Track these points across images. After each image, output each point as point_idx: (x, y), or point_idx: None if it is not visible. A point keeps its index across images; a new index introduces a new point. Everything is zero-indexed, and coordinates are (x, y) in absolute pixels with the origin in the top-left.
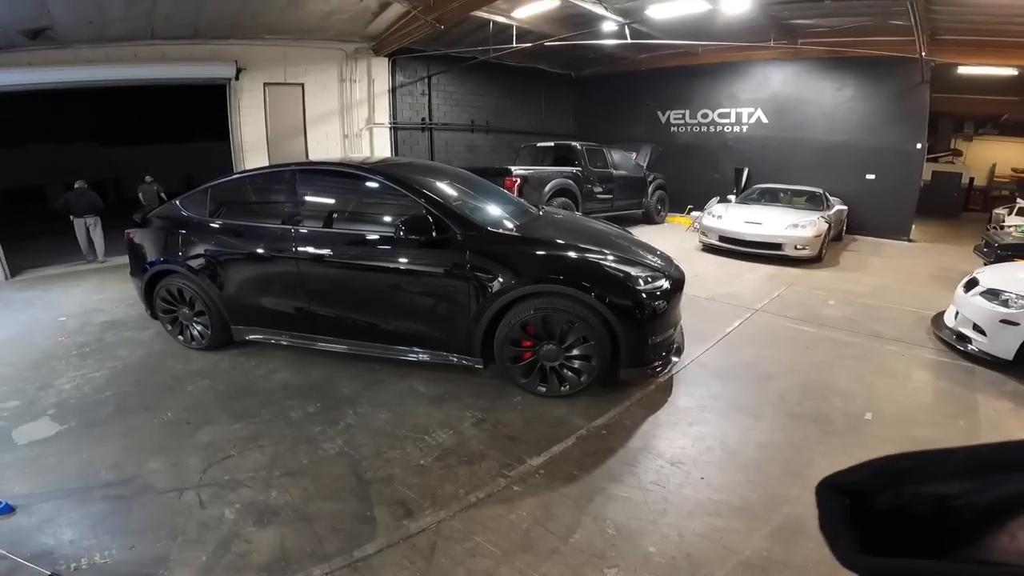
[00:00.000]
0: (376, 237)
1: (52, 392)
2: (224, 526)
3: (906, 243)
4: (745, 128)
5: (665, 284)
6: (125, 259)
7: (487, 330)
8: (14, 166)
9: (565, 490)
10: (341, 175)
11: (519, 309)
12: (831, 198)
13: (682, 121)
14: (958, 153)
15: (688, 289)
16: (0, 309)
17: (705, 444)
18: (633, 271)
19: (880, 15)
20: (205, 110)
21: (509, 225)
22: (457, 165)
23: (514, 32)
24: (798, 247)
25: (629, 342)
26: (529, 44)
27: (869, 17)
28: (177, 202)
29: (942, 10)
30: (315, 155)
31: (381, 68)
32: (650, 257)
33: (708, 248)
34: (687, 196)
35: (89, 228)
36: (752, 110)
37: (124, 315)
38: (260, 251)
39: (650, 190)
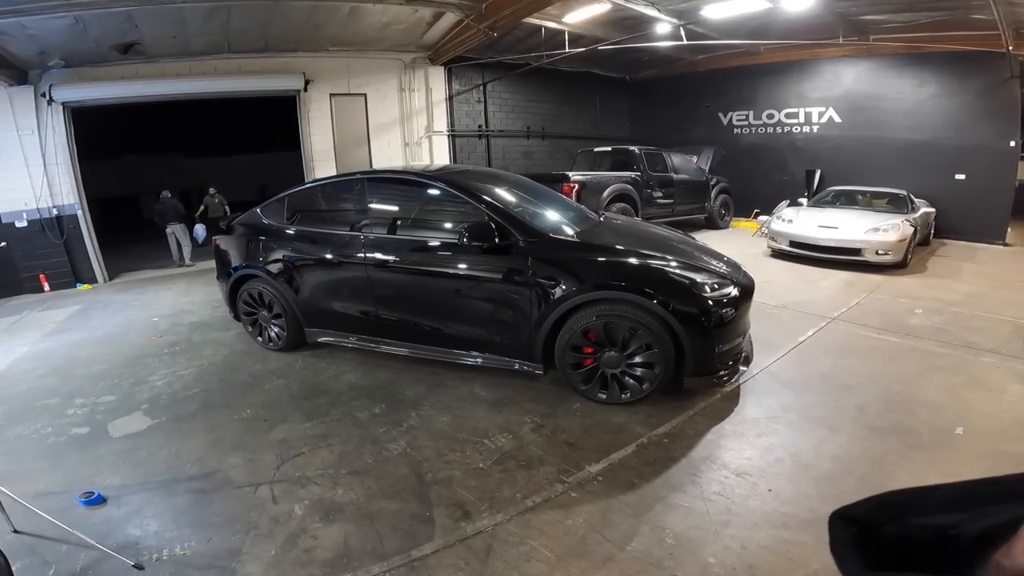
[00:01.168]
0: (439, 243)
1: (145, 388)
2: (293, 521)
3: (1001, 247)
4: (816, 128)
5: (733, 291)
6: (211, 264)
7: (548, 336)
8: (110, 176)
9: (624, 498)
10: (405, 183)
11: (581, 315)
12: (916, 200)
13: (746, 122)
14: None
15: (756, 296)
16: (99, 310)
17: (774, 455)
18: (699, 277)
19: (959, 9)
20: (277, 122)
21: (570, 231)
22: (514, 171)
23: (566, 37)
24: (880, 252)
25: (694, 350)
26: (582, 49)
27: (946, 12)
28: (258, 210)
29: None
30: (378, 163)
31: (438, 77)
32: (716, 263)
33: (777, 254)
34: (753, 200)
35: (177, 235)
36: (823, 109)
37: (210, 316)
38: (330, 256)
39: (713, 194)
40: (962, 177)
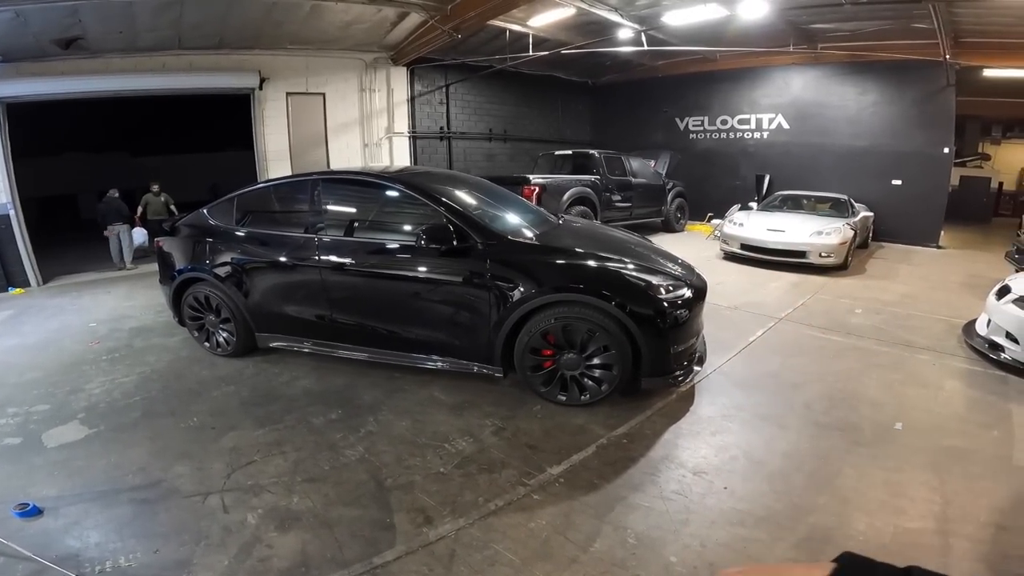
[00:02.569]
0: (397, 246)
1: (82, 396)
2: (247, 531)
3: (935, 250)
4: (766, 134)
5: (687, 293)
6: (154, 266)
7: (507, 339)
8: (49, 174)
9: (585, 499)
10: (362, 184)
11: (540, 318)
12: (856, 204)
13: (701, 128)
14: (986, 157)
15: (710, 298)
16: (32, 315)
17: (728, 454)
18: (654, 280)
19: (902, 18)
20: (233, 120)
21: (529, 234)
22: (475, 174)
23: (530, 40)
24: (823, 255)
25: (650, 351)
26: (546, 52)
27: (890, 21)
28: (204, 211)
29: (965, 12)
30: (336, 165)
31: (400, 77)
32: (671, 265)
33: (730, 256)
34: (707, 204)
35: (121, 236)
36: (773, 116)
37: (152, 321)
38: (283, 259)
39: (669, 198)
40: (899, 183)
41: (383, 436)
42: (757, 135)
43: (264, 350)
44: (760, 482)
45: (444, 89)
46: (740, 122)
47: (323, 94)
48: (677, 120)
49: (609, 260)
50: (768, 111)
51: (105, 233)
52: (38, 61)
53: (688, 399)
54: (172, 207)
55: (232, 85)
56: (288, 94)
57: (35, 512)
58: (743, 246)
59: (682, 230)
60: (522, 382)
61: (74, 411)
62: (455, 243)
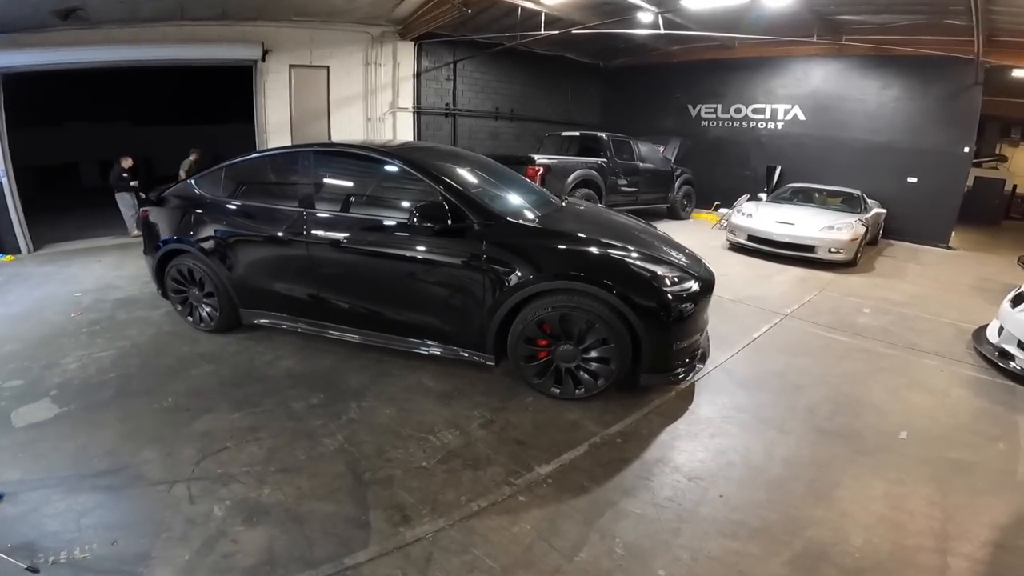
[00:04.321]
0: (390, 223)
1: (57, 371)
2: (212, 524)
3: (945, 250)
4: (780, 125)
5: (694, 286)
6: None
7: (501, 326)
8: (50, 143)
9: (574, 503)
10: (356, 157)
11: (536, 306)
12: (869, 200)
13: (713, 115)
14: (1003, 159)
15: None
16: (18, 283)
17: (726, 458)
18: (660, 270)
19: (936, 13)
20: (237, 92)
21: (530, 216)
22: (480, 152)
23: (543, 19)
24: (832, 250)
25: (652, 346)
26: (558, 32)
27: (924, 15)
28: (192, 181)
29: (1003, 11)
30: (337, 138)
31: (407, 52)
32: (677, 255)
33: (736, 247)
34: (715, 192)
35: (122, 204)
36: (789, 107)
37: (139, 293)
38: (271, 233)
39: (677, 184)
40: (914, 180)
41: (365, 425)
42: (771, 125)
43: (248, 327)
44: (757, 490)
45: (452, 66)
46: (755, 111)
47: (327, 67)
48: (689, 107)
49: (613, 247)
50: (785, 101)
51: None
52: (37, 32)
53: (687, 397)
54: None
55: (234, 56)
56: (292, 66)
57: None
58: (750, 237)
59: (688, 218)
60: (515, 372)
61: (47, 388)
62: (449, 222)
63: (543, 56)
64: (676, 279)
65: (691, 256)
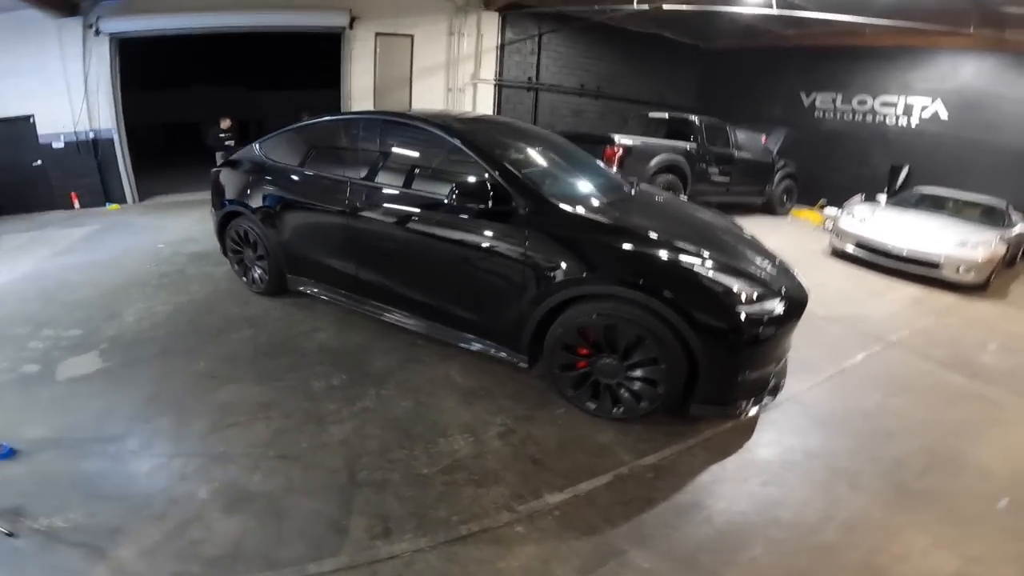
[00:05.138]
0: (430, 199)
1: (115, 323)
2: (192, 506)
3: None
4: (914, 121)
5: (777, 307)
6: None
7: (539, 326)
8: (178, 104)
9: (576, 544)
10: (405, 127)
11: (580, 309)
12: (1014, 214)
13: (831, 106)
14: None
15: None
16: (116, 231)
17: (774, 513)
18: (736, 284)
19: None
20: (330, 58)
21: (593, 203)
22: (560, 129)
23: None
24: (961, 270)
25: (712, 374)
26: (648, 6)
27: None
28: (256, 144)
29: None
30: (417, 107)
31: (491, 23)
32: (764, 265)
33: (839, 254)
34: (821, 188)
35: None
36: (928, 102)
37: (213, 248)
38: (314, 201)
39: (777, 178)
40: None
41: (378, 416)
42: (903, 121)
43: (295, 293)
44: (799, 556)
45: (537, 38)
46: (883, 104)
47: (411, 36)
48: (803, 94)
49: (682, 251)
50: (924, 95)
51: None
52: None
53: (746, 432)
54: None
55: (324, 23)
56: (377, 34)
57: (8, 455)
58: (859, 244)
59: (786, 215)
60: (549, 378)
61: (99, 340)
62: (490, 204)
63: (636, 33)
64: (756, 297)
65: (781, 267)
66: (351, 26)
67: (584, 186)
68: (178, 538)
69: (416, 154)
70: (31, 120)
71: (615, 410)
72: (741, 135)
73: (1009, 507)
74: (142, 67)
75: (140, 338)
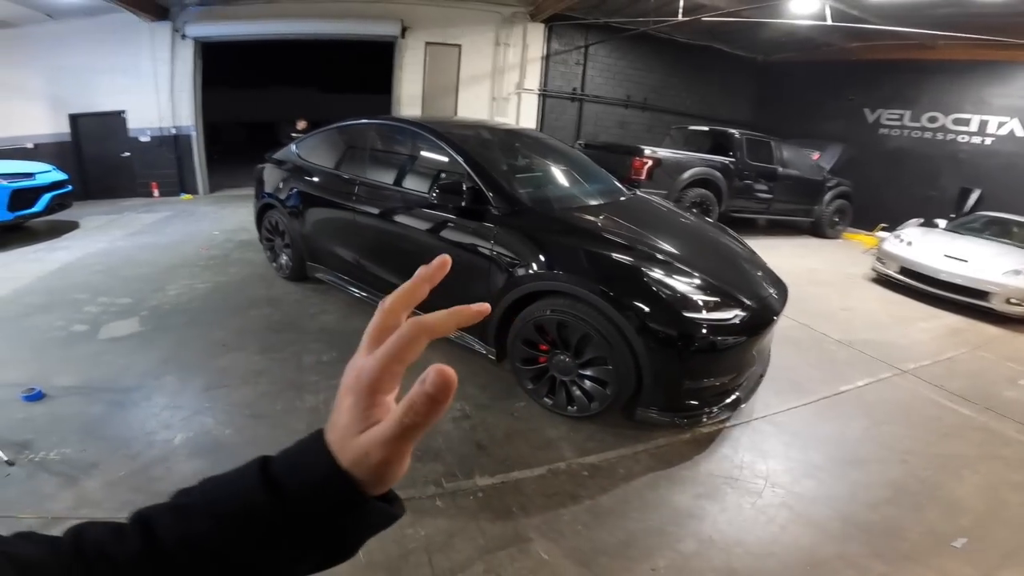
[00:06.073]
0: (421, 198)
1: (159, 296)
2: (164, 449)
3: None
4: (989, 140)
5: (736, 316)
6: None
7: (504, 320)
8: (257, 104)
9: (487, 526)
10: (405, 132)
11: (538, 306)
12: None
13: (897, 123)
14: None
15: (820, 324)
16: (183, 218)
17: (693, 527)
18: (687, 290)
19: None
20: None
21: (575, 205)
22: (604, 139)
23: (681, 4)
24: (1013, 301)
25: (656, 379)
26: (698, 18)
27: None
28: (293, 145)
29: None
30: (463, 114)
31: (536, 34)
32: (740, 274)
33: (881, 279)
34: (882, 212)
35: None
36: (1005, 120)
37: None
38: (327, 196)
39: (828, 197)
40: None
41: None
42: (976, 140)
43: (314, 280)
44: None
45: (583, 49)
46: (956, 122)
47: (459, 45)
48: (867, 111)
49: (638, 253)
50: (1001, 113)
51: None
52: (228, 4)
53: (702, 445)
54: None
55: (377, 32)
56: (427, 43)
57: (38, 398)
58: (903, 270)
59: (837, 237)
60: (512, 372)
61: (143, 308)
62: (463, 203)
63: (687, 45)
64: (710, 304)
65: (766, 280)
66: (403, 35)
67: (568, 189)
68: (141, 475)
69: (412, 155)
70: (123, 115)
71: (569, 408)
72: (787, 151)
73: (965, 547)
74: (228, 69)
75: (175, 309)
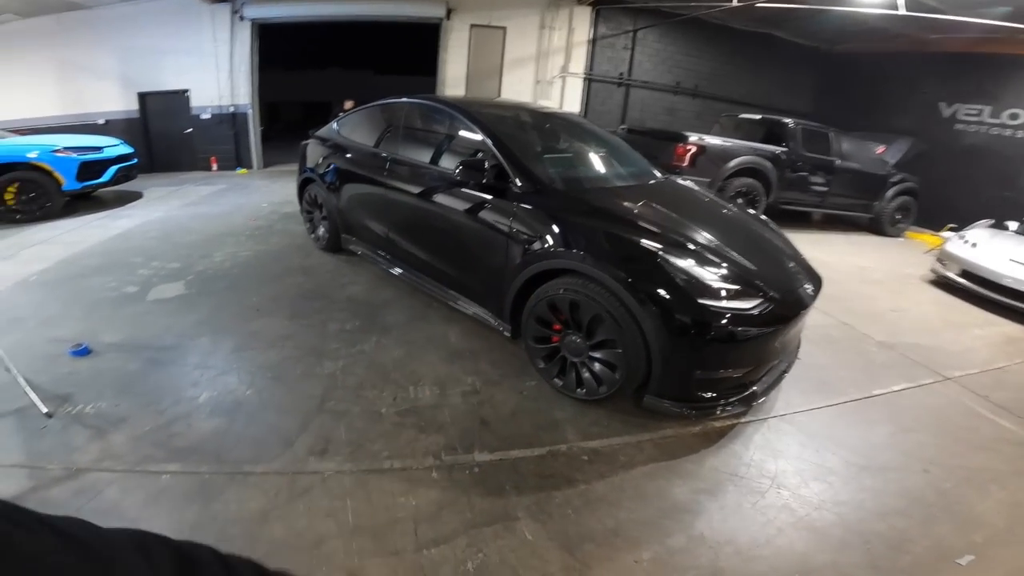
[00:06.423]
0: (447, 175)
1: (205, 262)
2: (190, 405)
3: None
4: None
5: (756, 306)
6: None
7: (519, 297)
8: (316, 84)
9: (478, 501)
10: (438, 111)
11: (552, 284)
12: None
13: (976, 119)
14: None
15: (864, 324)
16: (236, 191)
17: (686, 521)
18: (705, 276)
19: None
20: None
21: (601, 186)
22: (650, 125)
23: None
24: None
25: (665, 365)
26: (745, 3)
27: None
28: (334, 123)
29: None
30: (506, 96)
31: (583, 17)
32: (772, 265)
33: (940, 282)
34: (951, 211)
35: None
36: None
37: None
38: (361, 172)
39: (890, 193)
40: None
41: (368, 359)
42: None
43: (348, 251)
44: (684, 573)
45: (631, 34)
46: None
47: (504, 28)
48: (942, 105)
49: (657, 236)
50: None
51: None
52: None
53: (712, 439)
54: None
55: (422, 14)
56: (472, 26)
57: (85, 353)
58: (964, 273)
59: (898, 235)
60: (525, 350)
61: (189, 273)
62: (484, 180)
63: (743, 32)
64: (731, 292)
65: (802, 272)
66: (448, 17)
67: (596, 171)
68: (164, 430)
69: (442, 133)
70: (186, 94)
71: (579, 390)
72: (846, 143)
73: (971, 565)
74: (290, 51)
75: (218, 274)
